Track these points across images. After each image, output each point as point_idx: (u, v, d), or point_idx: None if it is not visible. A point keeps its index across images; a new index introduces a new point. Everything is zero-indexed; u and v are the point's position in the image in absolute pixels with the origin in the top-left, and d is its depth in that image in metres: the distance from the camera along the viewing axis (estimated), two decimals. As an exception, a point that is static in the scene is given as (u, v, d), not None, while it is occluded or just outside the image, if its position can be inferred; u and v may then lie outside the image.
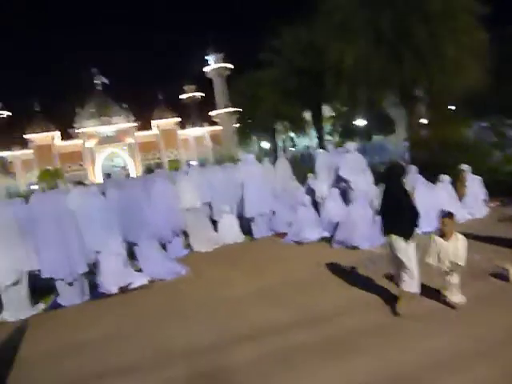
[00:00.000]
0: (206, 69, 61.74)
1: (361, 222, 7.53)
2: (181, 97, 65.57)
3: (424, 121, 18.63)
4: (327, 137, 35.20)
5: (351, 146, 9.75)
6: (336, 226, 8.17)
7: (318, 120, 22.89)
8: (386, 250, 7.03)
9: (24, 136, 53.52)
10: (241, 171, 10.19)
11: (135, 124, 57.49)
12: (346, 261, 6.91)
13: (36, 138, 53.59)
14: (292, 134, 33.80)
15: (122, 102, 57.38)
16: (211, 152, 61.09)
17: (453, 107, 18.60)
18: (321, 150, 10.68)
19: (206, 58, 61.35)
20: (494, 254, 5.97)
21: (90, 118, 55.34)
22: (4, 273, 6.21)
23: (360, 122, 21.86)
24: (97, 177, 54.05)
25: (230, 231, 9.77)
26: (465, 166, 8.87)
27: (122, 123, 56.49)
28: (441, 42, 13.97)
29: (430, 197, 8.14)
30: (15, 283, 6.27)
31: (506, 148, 14.48)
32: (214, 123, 62.44)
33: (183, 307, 5.94)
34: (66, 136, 56.13)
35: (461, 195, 8.57)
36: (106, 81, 57.53)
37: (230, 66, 60.41)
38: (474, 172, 9.17)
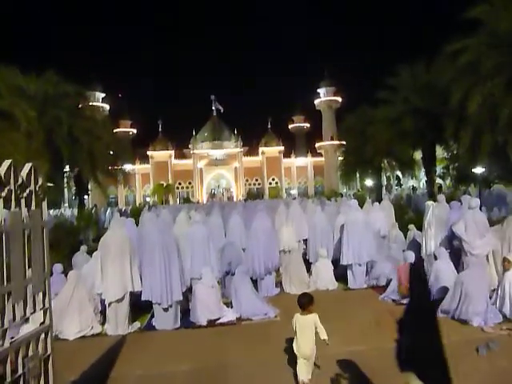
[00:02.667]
0: (316, 101, 62.65)
1: (475, 293, 6.59)
2: (289, 126, 67.41)
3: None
4: (437, 179, 32.72)
5: (475, 201, 8.75)
6: (444, 291, 7.30)
7: (429, 161, 21.37)
8: (509, 333, 6.15)
9: (147, 152, 59.90)
10: (342, 214, 9.83)
11: (242, 149, 60.47)
12: (456, 338, 6.09)
13: (156, 155, 59.55)
14: (398, 173, 32.08)
15: (234, 128, 61.10)
16: (312, 183, 61.15)
17: None
18: (432, 202, 9.77)
19: (318, 90, 62.35)
20: None
21: (203, 141, 59.87)
22: (113, 289, 6.77)
23: (478, 170, 19.69)
24: (202, 195, 57.75)
25: (324, 276, 9.41)
26: None
27: (231, 148, 59.94)
28: None
29: None
30: (119, 300, 6.78)
31: None
32: (318, 154, 62.61)
33: (270, 354, 5.78)
34: (180, 155, 61.44)
35: None
36: (220, 108, 61.88)
37: (339, 99, 60.42)
38: None
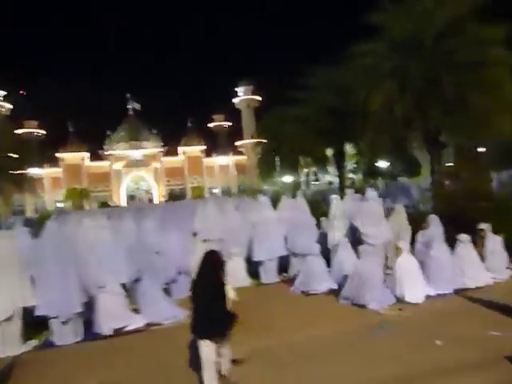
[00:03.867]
0: (235, 100, 63.14)
1: (371, 279, 7.10)
2: (209, 125, 67.06)
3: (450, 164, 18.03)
4: (350, 174, 34.90)
5: (371, 193, 9.42)
6: (345, 279, 7.76)
7: (339, 158, 22.69)
8: (398, 313, 6.70)
9: (56, 155, 55.54)
10: (255, 212, 9.98)
11: (162, 149, 58.84)
12: (354, 322, 6.50)
13: (67, 157, 55.51)
14: (314, 169, 33.57)
15: (152, 128, 59.12)
16: (235, 181, 61.56)
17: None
18: (336, 196, 10.35)
19: (236, 89, 62.89)
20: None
21: (119, 141, 57.09)
22: (1, 306, 6.12)
23: (383, 164, 21.44)
24: (121, 198, 55.13)
25: (237, 274, 9.46)
26: (484, 225, 8.34)
27: (150, 148, 57.97)
28: (469, 93, 13.68)
29: (447, 257, 7.68)
30: (8, 318, 6.15)
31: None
32: (240, 153, 63.19)
33: (175, 359, 5.64)
34: (95, 157, 57.95)
35: (480, 256, 8.02)
36: (137, 106, 59.62)
37: (259, 98, 61.57)
38: (496, 231, 8.64)
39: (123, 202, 53.93)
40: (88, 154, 57.28)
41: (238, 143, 63.53)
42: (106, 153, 56.83)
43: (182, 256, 8.96)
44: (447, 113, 13.85)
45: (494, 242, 8.15)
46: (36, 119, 59.25)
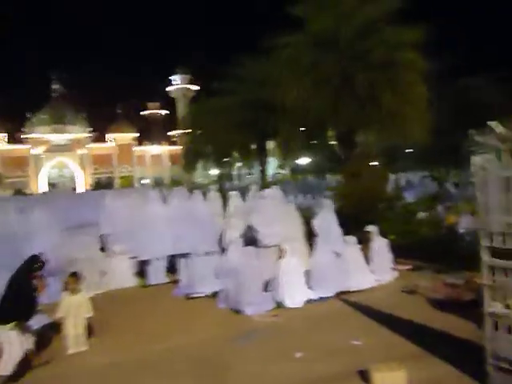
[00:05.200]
0: (169, 88, 61.06)
1: (250, 283, 6.64)
2: (142, 113, 64.28)
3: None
4: (279, 170, 35.08)
5: (270, 191, 9.04)
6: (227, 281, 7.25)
7: (261, 152, 22.42)
8: (272, 320, 6.30)
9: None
10: (142, 207, 9.15)
11: (90, 135, 55.30)
12: (222, 330, 6.01)
13: (-22, 138, 50.28)
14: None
15: (79, 112, 55.26)
16: (168, 172, 59.61)
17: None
18: (235, 192, 9.86)
19: (171, 77, 60.82)
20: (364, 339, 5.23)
21: (41, 124, 52.65)
22: None
23: (304, 161, 21.54)
24: (40, 186, 50.99)
25: (120, 274, 8.64)
26: (371, 227, 8.27)
27: (75, 133, 54.17)
28: (381, 94, 13.84)
29: (331, 259, 7.44)
30: None
31: (445, 200, 14.35)
32: (175, 143, 61.32)
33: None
34: (13, 140, 52.97)
35: (366, 258, 7.92)
36: (62, 88, 55.20)
37: (195, 87, 59.97)
38: (386, 232, 8.67)
39: (42, 190, 49.88)
40: (5, 136, 52.20)
41: (170, 133, 61.57)
42: (24, 136, 52.13)
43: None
44: (360, 112, 13.93)
45: (380, 245, 8.07)
46: None
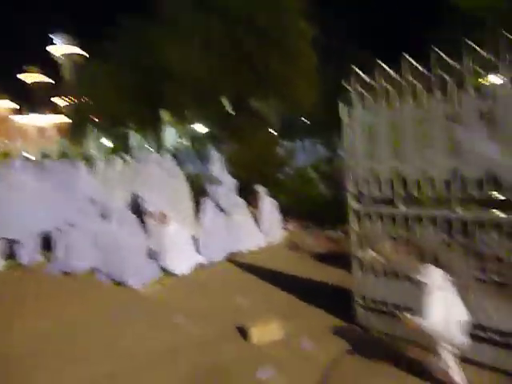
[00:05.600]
0: (51, 48, 54.25)
1: (130, 252, 6.17)
2: (20, 76, 56.45)
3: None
4: (180, 140, 33.90)
5: (154, 157, 8.50)
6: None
7: (156, 122, 21.31)
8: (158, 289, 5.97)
9: None
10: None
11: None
12: (102, 303, 5.51)
13: None
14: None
15: None
16: (56, 145, 53.86)
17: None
18: (118, 159, 9.08)
19: (52, 36, 54.14)
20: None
21: None
22: None
23: (200, 129, 21.01)
24: None
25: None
26: (260, 188, 8.32)
27: None
28: (271, 62, 13.74)
29: (220, 222, 7.31)
30: None
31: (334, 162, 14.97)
32: (62, 113, 55.40)
33: None
34: None
35: (256, 219, 7.97)
36: None
37: (80, 51, 54.20)
38: (276, 194, 8.80)
39: None
40: None
41: (58, 102, 55.56)
42: None
43: None
44: (251, 79, 13.77)
45: (269, 205, 8.15)
46: None
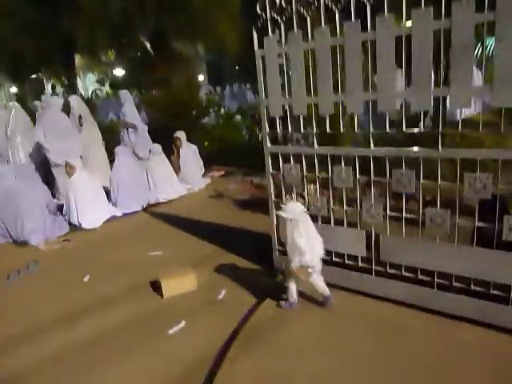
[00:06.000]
0: None
1: (29, 208, 5.47)
2: None
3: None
4: (97, 85, 31.15)
5: (52, 100, 7.49)
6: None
7: (68, 66, 19.07)
8: (62, 246, 5.42)
9: None
10: None
11: None
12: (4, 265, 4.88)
13: None
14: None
15: None
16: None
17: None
18: (14, 104, 7.92)
19: None
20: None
21: None
22: None
23: (118, 72, 19.30)
24: None
25: None
26: (180, 133, 7.79)
27: None
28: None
29: (136, 172, 6.75)
30: None
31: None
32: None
33: None
34: None
35: (175, 167, 7.51)
36: None
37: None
38: (200, 142, 8.35)
39: None
40: None
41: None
42: None
43: None
44: (170, 15, 12.55)
45: (189, 151, 7.69)
46: None
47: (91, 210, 5.95)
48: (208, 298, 3.72)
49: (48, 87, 31.79)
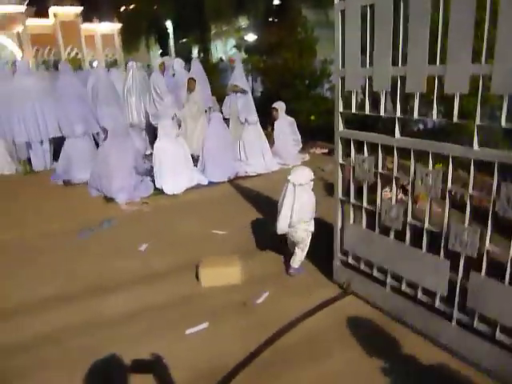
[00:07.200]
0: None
1: (117, 167, 5.63)
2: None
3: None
4: (234, 50, 32.02)
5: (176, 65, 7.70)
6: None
7: (202, 32, 19.83)
8: (140, 208, 5.50)
9: None
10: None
11: (26, 9, 48.13)
12: (84, 218, 5.16)
13: None
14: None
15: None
16: (122, 54, 54.23)
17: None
18: (131, 63, 8.23)
19: None
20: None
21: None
22: None
23: (250, 37, 19.27)
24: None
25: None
26: (278, 104, 7.14)
27: (9, 6, 46.91)
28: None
29: (225, 142, 6.45)
30: None
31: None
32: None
33: None
34: None
35: (270, 139, 6.97)
36: None
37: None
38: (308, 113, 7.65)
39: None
40: None
41: (123, 8, 54.47)
42: None
43: None
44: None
45: (285, 124, 7.05)
46: None
47: (175, 176, 5.90)
48: (246, 298, 3.23)
49: (194, 51, 34.07)
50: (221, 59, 28.35)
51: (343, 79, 2.82)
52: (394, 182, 2.66)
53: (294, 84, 8.49)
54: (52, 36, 49.84)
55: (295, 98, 8.35)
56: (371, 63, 2.57)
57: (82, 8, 50.83)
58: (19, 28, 47.74)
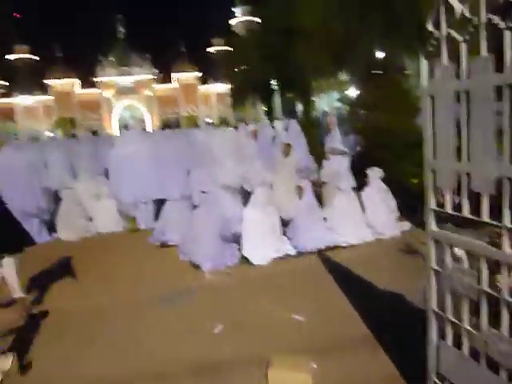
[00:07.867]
0: (232, 21, 58.14)
1: (204, 234, 5.71)
2: (208, 50, 62.70)
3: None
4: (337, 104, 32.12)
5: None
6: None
7: (303, 88, 20.34)
8: (222, 278, 5.42)
9: (45, 81, 53.43)
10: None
11: (153, 76, 55.72)
12: (169, 285, 5.28)
13: (56, 84, 53.40)
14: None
15: (145, 53, 55.61)
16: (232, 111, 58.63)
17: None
18: (229, 129, 8.61)
19: (234, 9, 57.62)
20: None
21: (109, 68, 54.23)
22: None
23: (352, 92, 19.21)
24: (113, 127, 53.65)
25: (105, 217, 8.26)
26: (374, 169, 6.62)
27: (140, 74, 54.94)
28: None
29: (315, 210, 6.16)
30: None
31: None
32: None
33: None
34: (87, 84, 55.53)
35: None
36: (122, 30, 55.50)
37: (257, 19, 56.31)
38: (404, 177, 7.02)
39: (114, 131, 52.51)
40: (78, 81, 54.95)
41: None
42: (95, 79, 54.37)
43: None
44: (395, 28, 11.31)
45: (377, 190, 6.49)
46: (25, 43, 56.01)
47: (262, 246, 5.76)
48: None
49: (298, 106, 35.22)
50: (325, 112, 28.77)
51: (434, 172, 2.39)
52: (504, 308, 2.07)
53: (391, 144, 7.95)
54: (174, 97, 56.71)
55: (396, 158, 7.79)
56: (468, 158, 2.13)
57: (199, 73, 57.30)
58: (148, 92, 55.36)
